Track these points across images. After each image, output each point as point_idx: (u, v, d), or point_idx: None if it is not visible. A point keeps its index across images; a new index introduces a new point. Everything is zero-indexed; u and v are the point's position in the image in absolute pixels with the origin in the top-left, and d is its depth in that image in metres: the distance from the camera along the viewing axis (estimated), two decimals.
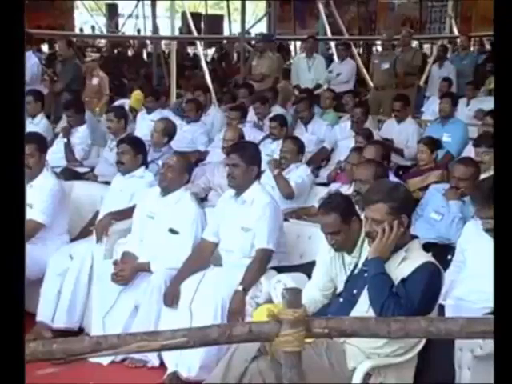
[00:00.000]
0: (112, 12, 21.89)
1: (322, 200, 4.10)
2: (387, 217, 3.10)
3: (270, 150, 6.59)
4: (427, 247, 4.05)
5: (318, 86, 9.80)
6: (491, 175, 3.75)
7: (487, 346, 3.04)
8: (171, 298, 4.09)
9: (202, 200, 5.63)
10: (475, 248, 3.63)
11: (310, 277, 3.75)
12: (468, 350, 3.10)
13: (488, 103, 8.58)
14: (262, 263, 4.09)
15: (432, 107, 8.78)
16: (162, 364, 4.09)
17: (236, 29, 17.20)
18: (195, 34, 14.34)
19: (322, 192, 5.34)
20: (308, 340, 2.19)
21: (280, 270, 4.14)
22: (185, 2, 14.78)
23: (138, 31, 20.40)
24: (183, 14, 16.17)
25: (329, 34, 13.67)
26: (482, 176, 4.88)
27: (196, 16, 18.26)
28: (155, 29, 14.70)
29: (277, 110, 8.05)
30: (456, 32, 14.34)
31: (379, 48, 16.29)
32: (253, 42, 11.93)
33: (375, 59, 10.16)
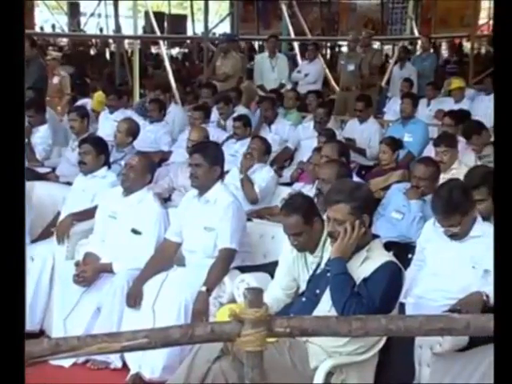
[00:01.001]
0: (74, 10, 21.66)
1: (283, 201, 4.12)
2: (349, 217, 3.12)
3: (234, 150, 6.60)
4: (389, 246, 4.09)
5: (282, 86, 9.83)
6: (448, 181, 3.78)
7: (446, 343, 3.10)
8: (134, 298, 4.07)
9: (165, 200, 5.61)
10: (434, 247, 3.68)
11: (273, 276, 3.76)
12: (427, 347, 3.14)
13: (448, 104, 8.73)
14: (225, 263, 4.09)
15: (394, 107, 8.87)
16: (125, 365, 4.06)
17: (199, 29, 17.19)
18: (158, 33, 14.27)
19: (286, 192, 5.37)
20: (270, 339, 2.20)
21: (243, 269, 4.14)
22: (147, 1, 14.68)
23: (101, 30, 20.23)
24: (146, 14, 16.08)
25: (292, 35, 13.72)
26: (442, 175, 4.98)
27: (159, 15, 18.17)
28: (118, 28, 14.59)
29: (240, 110, 8.06)
30: (416, 33, 14.51)
31: (342, 49, 16.45)
32: (217, 42, 11.92)
33: (341, 60, 10.23)
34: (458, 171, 5.29)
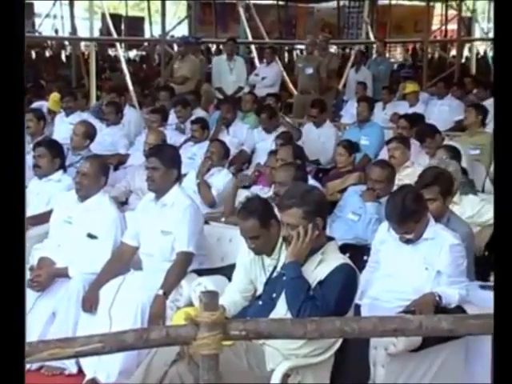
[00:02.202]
0: (28, 11, 21.27)
1: (240, 204, 4.13)
2: (302, 221, 3.14)
3: (192, 153, 6.60)
4: (345, 248, 4.15)
5: (240, 89, 9.85)
6: (401, 188, 3.80)
7: (400, 343, 3.15)
8: (90, 303, 4.03)
9: (122, 203, 5.58)
10: (388, 249, 3.74)
11: (230, 279, 3.76)
12: (382, 347, 3.19)
13: (402, 107, 8.87)
14: (182, 266, 4.08)
15: (350, 111, 8.97)
16: (81, 371, 4.02)
17: (157, 31, 17.08)
18: (115, 35, 14.15)
19: (243, 195, 5.38)
20: (227, 342, 2.21)
21: (201, 273, 4.14)
22: (104, 2, 14.54)
23: (56, 32, 19.94)
24: (103, 15, 15.92)
25: (250, 38, 13.74)
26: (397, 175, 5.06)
27: (116, 17, 18.01)
28: (74, 29, 14.41)
29: (198, 112, 8.05)
30: (372, 38, 14.69)
31: (299, 52, 16.55)
32: (175, 45, 11.88)
33: (299, 63, 10.30)
34: (412, 170, 5.39)
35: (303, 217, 3.14)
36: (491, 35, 18.96)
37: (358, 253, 4.24)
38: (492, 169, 5.78)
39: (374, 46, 13.18)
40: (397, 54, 21.83)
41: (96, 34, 15.63)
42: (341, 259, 3.18)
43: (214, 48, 18.79)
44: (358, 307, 3.49)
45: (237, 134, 7.41)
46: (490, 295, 3.78)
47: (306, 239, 3.12)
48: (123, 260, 4.24)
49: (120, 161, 6.90)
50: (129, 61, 17.45)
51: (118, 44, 14.38)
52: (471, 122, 6.86)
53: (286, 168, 4.70)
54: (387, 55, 15.64)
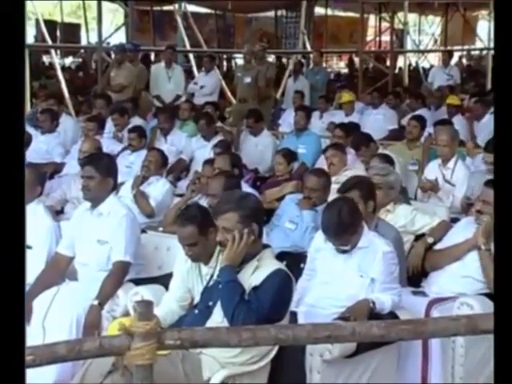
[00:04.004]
0: None
1: (179, 212, 4.12)
2: (237, 225, 3.17)
3: (129, 161, 6.55)
4: (282, 256, 4.20)
5: (178, 97, 9.83)
6: (337, 200, 3.83)
7: (335, 349, 3.20)
8: None
9: (57, 213, 5.49)
10: (324, 257, 3.79)
11: (168, 288, 3.75)
12: (318, 354, 3.23)
13: (339, 116, 9.02)
14: (118, 276, 4.04)
15: (288, 119, 9.07)
16: None
17: (94, 38, 16.87)
18: (50, 42, 13.91)
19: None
20: (162, 352, 2.20)
21: (138, 282, 4.11)
22: (38, 8, 14.28)
23: None
24: (37, 21, 15.63)
25: (188, 46, 13.73)
26: (334, 178, 5.14)
27: (51, 24, 17.67)
28: None
29: (136, 121, 8.00)
30: (309, 48, 14.89)
31: (238, 61, 16.61)
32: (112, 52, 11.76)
33: (238, 72, 10.34)
34: (351, 172, 5.47)
35: (239, 221, 3.17)
36: (422, 47, 19.52)
37: (294, 260, 4.28)
38: (423, 177, 5.91)
39: (311, 55, 13.35)
40: (333, 64, 22.19)
41: (31, 40, 15.33)
42: (276, 265, 3.22)
43: (152, 56, 18.67)
44: (294, 315, 3.53)
45: (175, 143, 7.39)
46: (421, 301, 3.91)
47: (242, 244, 3.14)
48: (57, 270, 4.17)
49: (55, 169, 6.79)
50: (65, 68, 17.18)
51: (52, 51, 14.14)
52: (415, 136, 6.94)
53: (216, 179, 4.74)
54: (324, 65, 15.85)
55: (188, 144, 7.42)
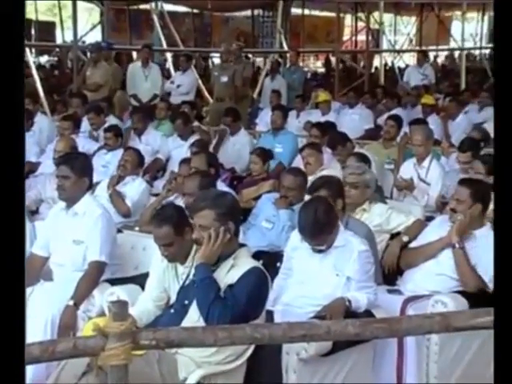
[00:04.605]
0: None
1: (155, 211, 4.11)
2: (214, 223, 3.18)
3: (105, 161, 6.52)
4: (258, 255, 4.20)
5: (155, 97, 9.80)
6: (312, 200, 3.84)
7: (311, 348, 3.21)
8: None
9: (32, 213, 5.44)
10: (301, 256, 3.80)
11: (144, 288, 3.73)
12: (294, 353, 3.23)
13: (315, 116, 9.04)
14: (94, 276, 4.02)
15: (265, 119, 9.07)
16: None
17: (70, 37, 16.73)
18: (25, 40, 13.77)
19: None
20: (137, 352, 2.19)
21: (114, 282, 4.09)
22: None
23: None
24: None
25: (164, 46, 13.68)
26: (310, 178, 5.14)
27: (26, 22, 17.51)
28: None
29: (112, 120, 7.95)
30: (286, 47, 14.91)
31: (215, 60, 16.59)
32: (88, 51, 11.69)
33: (215, 71, 10.33)
34: (328, 171, 5.50)
35: (215, 219, 3.18)
36: (398, 47, 19.65)
37: (271, 260, 4.28)
38: (398, 176, 5.95)
39: (288, 55, 13.37)
40: (310, 64, 22.25)
41: None
42: (252, 264, 3.23)
43: (129, 55, 18.56)
44: (271, 313, 3.54)
45: (150, 142, 7.35)
46: (397, 299, 3.94)
47: (217, 242, 3.15)
48: (32, 271, 4.12)
49: (30, 169, 6.72)
50: (40, 67, 17.02)
51: (28, 49, 13.99)
52: (392, 136, 7.00)
53: (191, 178, 4.73)
54: (301, 64, 15.89)
55: (164, 143, 7.40)
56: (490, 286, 3.88)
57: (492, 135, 7.03)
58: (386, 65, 17.74)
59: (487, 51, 21.09)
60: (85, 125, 7.63)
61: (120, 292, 3.87)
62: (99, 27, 14.28)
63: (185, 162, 5.59)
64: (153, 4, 14.24)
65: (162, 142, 7.40)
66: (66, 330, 3.78)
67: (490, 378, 4.08)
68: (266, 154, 6.29)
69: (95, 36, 13.99)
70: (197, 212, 3.24)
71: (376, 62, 17.55)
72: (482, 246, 3.90)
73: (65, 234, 4.13)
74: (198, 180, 4.61)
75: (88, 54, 11.18)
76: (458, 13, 19.38)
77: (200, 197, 3.35)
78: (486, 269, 3.87)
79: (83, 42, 12.71)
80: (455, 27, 20.46)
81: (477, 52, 21.77)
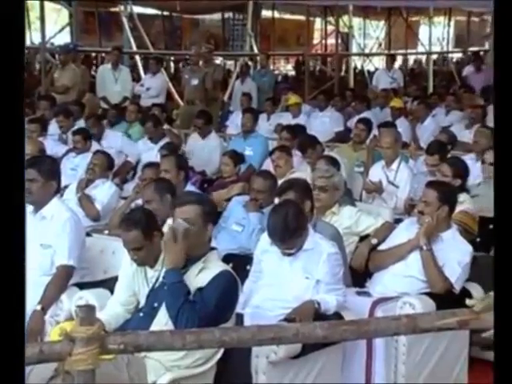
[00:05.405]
0: None
1: (123, 215, 4.09)
2: (198, 219, 3.21)
3: (74, 164, 6.49)
4: (229, 258, 4.19)
5: (125, 99, 9.75)
6: (281, 205, 3.84)
7: (281, 351, 3.22)
8: None
9: None
10: (270, 258, 3.80)
11: (113, 292, 3.71)
12: (264, 355, 3.24)
13: (286, 118, 9.08)
14: (62, 280, 3.98)
15: (236, 121, 9.09)
16: None
17: (38, 38, 16.56)
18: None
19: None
20: (107, 356, 2.17)
21: (83, 286, 4.05)
22: None
23: None
24: None
25: (134, 48, 13.61)
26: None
27: None
28: None
29: (81, 123, 7.89)
30: (256, 50, 14.94)
31: (186, 63, 16.53)
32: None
33: (185, 74, 10.32)
34: (298, 174, 5.53)
35: (200, 215, 3.21)
36: (367, 51, 19.82)
37: (241, 262, 4.28)
38: (367, 179, 6.00)
39: (258, 58, 13.40)
40: (280, 67, 22.31)
41: None
42: (221, 267, 3.23)
43: (98, 56, 18.43)
44: (241, 316, 3.54)
45: (111, 144, 7.28)
46: (365, 301, 3.97)
47: (179, 243, 3.15)
48: None
49: None
50: None
51: None
52: (362, 139, 7.05)
53: (148, 185, 4.71)
54: (271, 67, 15.94)
55: (130, 144, 7.41)
56: (457, 287, 3.94)
57: (458, 138, 7.15)
58: (355, 68, 17.89)
59: (454, 55, 21.37)
60: (53, 127, 7.57)
61: (89, 296, 3.83)
62: (68, 29, 14.14)
63: (148, 166, 5.56)
64: (122, 6, 14.15)
65: (123, 142, 7.40)
66: (33, 335, 3.73)
67: (456, 378, 4.16)
68: (237, 157, 6.31)
69: (64, 38, 13.85)
70: (182, 205, 3.26)
71: (346, 65, 17.68)
72: (449, 248, 3.96)
73: (32, 238, 4.06)
74: (153, 186, 4.58)
75: (56, 56, 11.06)
76: (425, 18, 19.60)
77: (186, 193, 3.36)
78: (452, 270, 3.92)
79: (51, 44, 12.59)
80: (423, 31, 20.68)
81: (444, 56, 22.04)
